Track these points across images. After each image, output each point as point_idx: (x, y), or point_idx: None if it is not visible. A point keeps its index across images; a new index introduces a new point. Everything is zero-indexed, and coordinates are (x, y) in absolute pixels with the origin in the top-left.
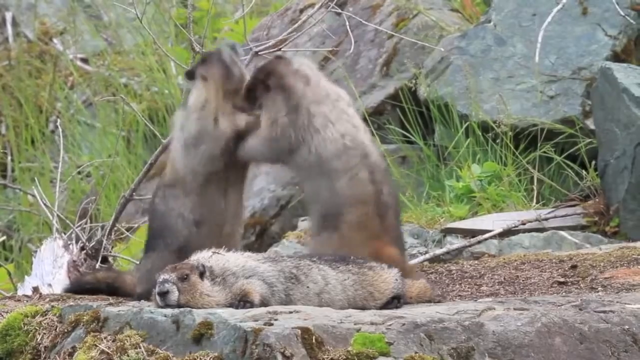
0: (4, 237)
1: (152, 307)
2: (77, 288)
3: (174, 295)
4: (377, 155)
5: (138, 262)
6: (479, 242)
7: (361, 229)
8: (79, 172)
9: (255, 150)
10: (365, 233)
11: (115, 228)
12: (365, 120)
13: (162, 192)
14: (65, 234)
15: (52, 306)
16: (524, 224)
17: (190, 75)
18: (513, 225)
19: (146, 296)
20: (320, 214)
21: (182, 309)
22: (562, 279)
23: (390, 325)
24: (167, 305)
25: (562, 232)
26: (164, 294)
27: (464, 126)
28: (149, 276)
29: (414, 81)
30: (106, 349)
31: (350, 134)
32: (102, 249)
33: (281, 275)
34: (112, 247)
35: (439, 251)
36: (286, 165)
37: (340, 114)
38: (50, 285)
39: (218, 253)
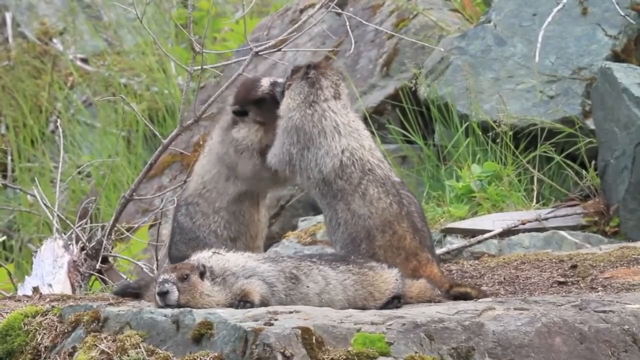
0: (4, 237)
1: (152, 307)
2: (121, 292)
3: (174, 295)
4: (385, 169)
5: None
6: (479, 242)
7: (396, 250)
8: (79, 172)
9: (272, 157)
10: (401, 253)
11: (116, 228)
12: (365, 120)
13: (186, 210)
14: (65, 234)
15: (53, 306)
16: (523, 224)
17: (241, 114)
18: (513, 225)
19: None
20: (348, 236)
21: (182, 309)
22: (562, 279)
23: (390, 325)
24: (167, 306)
25: (562, 232)
26: (163, 294)
27: (464, 126)
28: None
29: (414, 81)
30: (106, 349)
31: (349, 150)
32: (102, 249)
33: (281, 275)
34: (112, 247)
35: (439, 251)
36: (297, 177)
37: (351, 131)
38: (50, 285)
39: (218, 253)
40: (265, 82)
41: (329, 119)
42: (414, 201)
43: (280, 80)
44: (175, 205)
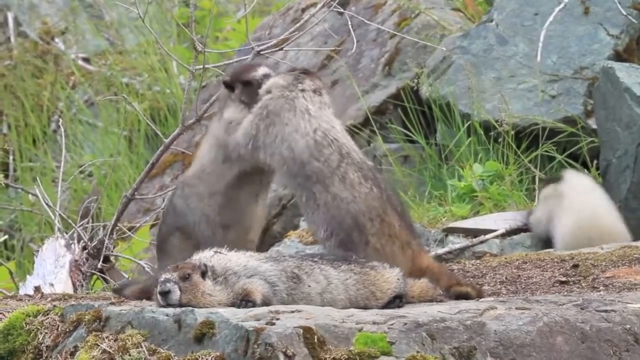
0: (6, 237)
1: (153, 306)
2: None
3: (176, 295)
4: (360, 154)
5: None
6: (482, 242)
7: (389, 238)
8: (80, 172)
9: (240, 130)
10: (395, 242)
11: (117, 227)
12: (367, 119)
13: (182, 191)
14: (67, 233)
15: (54, 306)
16: (525, 224)
17: (228, 87)
18: (516, 226)
19: None
20: (332, 219)
21: (183, 309)
22: (563, 279)
23: (392, 324)
24: (168, 305)
25: None
26: (165, 294)
27: (466, 125)
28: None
29: (416, 80)
30: (108, 349)
31: (322, 130)
32: (104, 249)
33: (283, 274)
34: (114, 247)
35: (440, 250)
36: (260, 153)
37: (323, 115)
38: (52, 284)
39: (220, 252)
40: (261, 71)
41: (301, 102)
42: (390, 185)
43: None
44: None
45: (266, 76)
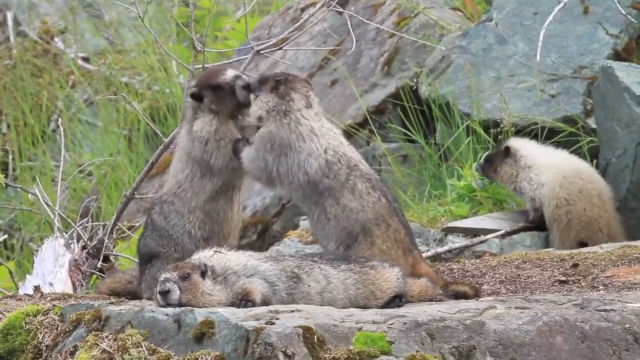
0: (6, 236)
1: (153, 306)
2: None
3: (175, 294)
4: (367, 165)
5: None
6: (481, 241)
7: (395, 243)
8: (80, 171)
9: (248, 163)
10: (400, 247)
11: (117, 227)
12: (366, 119)
13: (160, 208)
14: (66, 233)
15: (54, 305)
16: (524, 224)
17: (196, 98)
18: (516, 226)
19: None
20: (342, 230)
21: (183, 308)
22: (563, 278)
23: (391, 324)
24: (168, 305)
25: None
26: (165, 293)
27: (465, 125)
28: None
29: (415, 80)
30: (107, 348)
31: (332, 149)
32: (104, 248)
33: (283, 274)
34: (114, 246)
35: (440, 250)
36: (277, 184)
37: (327, 131)
38: (51, 284)
39: (220, 252)
40: (230, 73)
41: (304, 124)
42: (396, 198)
43: (245, 77)
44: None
45: (237, 77)
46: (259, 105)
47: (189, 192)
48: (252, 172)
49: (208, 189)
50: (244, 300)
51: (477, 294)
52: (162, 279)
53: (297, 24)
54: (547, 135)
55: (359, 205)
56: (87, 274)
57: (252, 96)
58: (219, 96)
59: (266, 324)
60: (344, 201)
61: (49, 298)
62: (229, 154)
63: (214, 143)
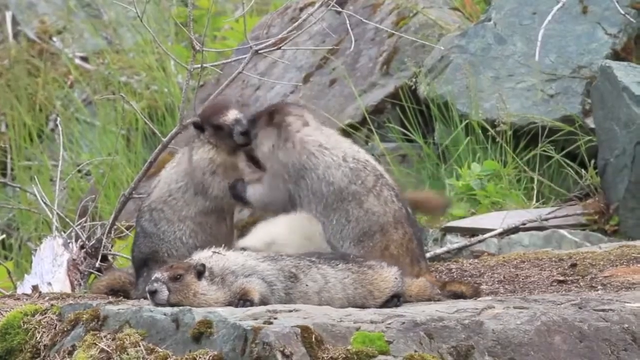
0: (4, 236)
1: (151, 305)
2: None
3: (163, 295)
4: (389, 176)
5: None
6: (480, 241)
7: (406, 250)
8: (78, 171)
9: (261, 201)
10: (409, 255)
11: (115, 226)
12: (365, 118)
13: (149, 215)
14: (64, 232)
15: (52, 305)
16: (524, 224)
17: (198, 128)
18: (514, 225)
19: None
20: (360, 231)
21: (181, 308)
22: (561, 278)
23: (389, 323)
24: (156, 304)
25: (562, 231)
26: (152, 293)
27: (464, 124)
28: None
29: (414, 80)
30: (106, 348)
31: (351, 155)
32: (102, 248)
33: (281, 274)
34: (112, 246)
35: (439, 250)
36: (297, 206)
37: (338, 142)
38: (49, 283)
39: (218, 252)
40: (232, 115)
41: (309, 142)
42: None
43: (244, 121)
44: (138, 211)
45: (237, 122)
46: (261, 142)
47: (180, 202)
48: (270, 208)
49: (199, 204)
50: (242, 299)
51: (475, 294)
52: (152, 278)
53: (296, 23)
54: (546, 135)
55: (382, 210)
56: (86, 273)
57: (252, 143)
58: (218, 135)
59: (264, 323)
60: (367, 205)
61: (47, 297)
62: (225, 187)
63: (211, 174)
